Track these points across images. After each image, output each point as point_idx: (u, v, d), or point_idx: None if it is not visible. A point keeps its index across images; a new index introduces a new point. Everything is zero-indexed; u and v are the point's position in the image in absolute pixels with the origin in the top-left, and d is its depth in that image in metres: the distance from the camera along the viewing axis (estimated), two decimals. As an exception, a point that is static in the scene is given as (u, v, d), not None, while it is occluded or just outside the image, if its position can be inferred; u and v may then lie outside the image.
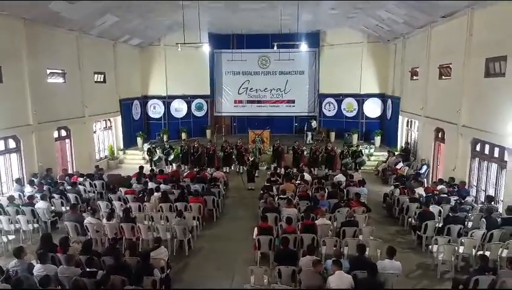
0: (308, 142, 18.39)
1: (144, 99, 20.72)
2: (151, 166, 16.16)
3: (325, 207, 9.71)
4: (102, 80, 17.24)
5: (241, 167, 16.33)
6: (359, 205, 9.87)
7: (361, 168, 15.95)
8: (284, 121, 22.00)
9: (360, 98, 20.13)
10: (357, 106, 20.26)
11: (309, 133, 19.40)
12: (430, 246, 8.53)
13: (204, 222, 10.61)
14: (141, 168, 13.38)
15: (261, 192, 11.34)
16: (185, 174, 13.79)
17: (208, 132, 21.42)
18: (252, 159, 14.29)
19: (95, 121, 16.97)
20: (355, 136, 19.70)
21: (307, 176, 12.62)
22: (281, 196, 10.49)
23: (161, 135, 20.13)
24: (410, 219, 10.24)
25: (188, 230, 9.05)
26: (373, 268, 6.46)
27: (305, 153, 16.47)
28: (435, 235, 8.68)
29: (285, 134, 20.48)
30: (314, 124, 19.83)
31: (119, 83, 18.27)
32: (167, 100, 20.86)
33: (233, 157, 16.69)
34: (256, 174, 14.86)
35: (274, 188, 11.51)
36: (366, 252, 7.18)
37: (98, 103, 16.51)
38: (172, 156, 16.46)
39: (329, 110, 21.05)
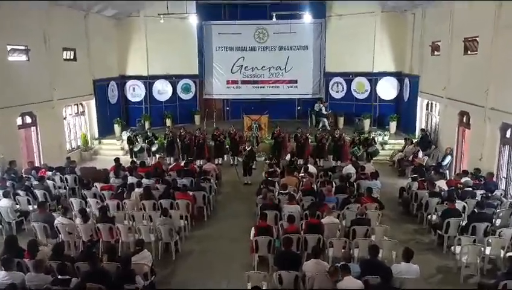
0: (321, 130, 18.19)
1: (122, 80, 20.59)
2: (131, 157, 16.12)
3: (332, 203, 9.75)
4: (72, 57, 17.07)
5: (235, 158, 16.36)
6: (371, 201, 9.91)
7: (374, 158, 16.02)
8: (284, 105, 21.94)
9: (373, 78, 20.09)
10: (370, 87, 20.24)
11: (324, 120, 19.33)
12: (452, 247, 8.60)
13: (193, 221, 10.64)
14: (119, 160, 13.35)
15: (259, 186, 11.36)
16: (171, 166, 13.78)
17: (197, 117, 21.37)
18: (248, 148, 14.28)
19: (65, 105, 16.85)
20: (367, 122, 19.70)
21: (312, 168, 12.66)
22: (282, 191, 10.55)
23: (142, 121, 20.06)
24: (430, 216, 10.31)
25: (174, 231, 9.08)
26: (387, 272, 6.52)
27: (309, 141, 16.50)
28: (458, 234, 8.75)
29: (286, 120, 20.46)
30: (322, 107, 19.78)
31: (93, 61, 18.11)
32: (149, 81, 20.75)
33: (227, 147, 16.69)
34: (253, 166, 14.91)
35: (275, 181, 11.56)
36: (379, 255, 7.23)
37: (68, 85, 16.37)
38: (156, 146, 16.44)
39: (337, 92, 21.02)
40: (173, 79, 21.11)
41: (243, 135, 17.13)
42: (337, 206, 9.91)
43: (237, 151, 16.05)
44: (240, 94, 21.83)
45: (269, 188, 10.71)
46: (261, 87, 21.71)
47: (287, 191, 10.50)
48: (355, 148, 15.51)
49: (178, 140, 16.39)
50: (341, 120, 20.32)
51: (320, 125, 19.20)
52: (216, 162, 15.61)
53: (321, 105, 19.79)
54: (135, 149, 16.41)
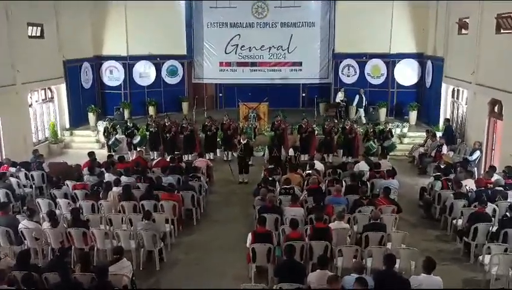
0: (358, 122, 18.13)
1: (97, 61, 20.52)
2: (108, 151, 16.09)
3: (341, 206, 9.76)
4: (39, 34, 16.97)
5: (229, 152, 16.35)
6: (387, 203, 9.93)
7: (391, 153, 16.02)
8: (287, 91, 21.96)
9: (390, 60, 20.09)
10: (386, 70, 20.24)
11: (360, 110, 19.33)
12: (480, 257, 8.63)
13: (180, 226, 10.65)
14: (94, 154, 13.32)
15: (257, 186, 11.38)
16: (154, 162, 13.78)
17: (185, 105, 21.36)
18: (244, 142, 14.26)
19: (31, 90, 16.78)
20: (382, 111, 19.72)
21: (319, 165, 12.67)
22: (284, 186, 10.58)
23: (121, 109, 20.02)
24: (455, 221, 10.34)
25: (158, 237, 9.07)
26: (405, 286, 6.53)
27: (316, 133, 16.50)
28: (487, 242, 8.78)
29: (288, 108, 20.47)
30: (341, 96, 19.70)
31: (63, 39, 18.01)
32: (128, 62, 20.69)
33: (219, 139, 16.68)
34: (250, 162, 14.87)
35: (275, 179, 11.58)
36: (396, 265, 7.26)
37: (34, 66, 16.28)
38: (137, 139, 16.42)
39: (349, 76, 21.01)
40: (157, 60, 21.06)
41: (238, 126, 17.11)
42: (348, 208, 9.92)
43: (231, 145, 16.05)
44: (235, 78, 21.82)
45: (269, 188, 10.70)
46: (259, 70, 21.70)
47: (289, 186, 10.53)
48: (370, 142, 15.51)
49: (163, 131, 16.33)
50: (352, 109, 20.32)
51: (356, 117, 19.11)
52: (207, 157, 15.59)
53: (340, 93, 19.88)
54: (110, 142, 16.39)
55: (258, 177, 12.73)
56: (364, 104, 19.61)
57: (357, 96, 19.67)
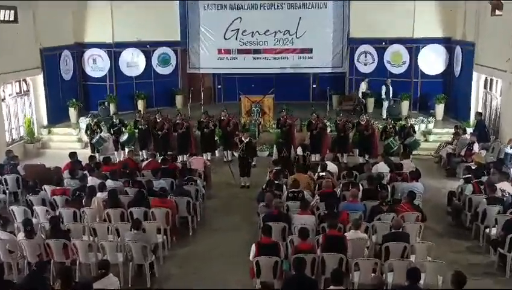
0: (386, 118, 17.96)
1: (79, 49, 20.55)
2: (92, 152, 16.11)
3: (358, 213, 9.74)
4: (12, 18, 17.01)
5: (229, 152, 16.35)
6: (411, 210, 9.90)
7: (414, 152, 15.99)
8: (295, 82, 21.91)
9: (413, 46, 20.04)
10: (409, 58, 20.18)
11: (385, 104, 19.21)
12: (517, 271, 8.62)
13: (174, 236, 10.66)
14: (76, 155, 13.33)
15: (262, 190, 11.36)
16: (145, 164, 13.80)
17: (179, 98, 21.38)
18: (247, 140, 14.24)
19: (3, 83, 16.84)
20: (404, 104, 19.68)
21: (332, 166, 12.64)
22: (293, 190, 10.56)
23: (106, 103, 20.04)
24: (488, 230, 10.30)
25: (149, 249, 9.08)
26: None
27: (328, 130, 16.47)
28: (525, 254, 8.76)
29: (297, 101, 20.44)
30: (365, 87, 19.68)
31: (40, 24, 18.03)
32: (114, 50, 20.71)
33: (217, 138, 16.67)
34: (253, 163, 14.86)
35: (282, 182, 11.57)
36: (421, 281, 7.23)
37: (6, 55, 16.32)
38: (124, 137, 16.42)
39: (366, 64, 20.96)
40: (147, 47, 21.06)
41: (239, 122, 17.09)
42: (365, 216, 9.90)
43: (231, 143, 16.02)
44: (236, 67, 21.77)
45: (275, 193, 10.69)
46: (263, 58, 21.63)
47: (299, 189, 10.49)
48: (390, 139, 15.46)
49: (154, 129, 16.34)
50: (370, 102, 20.28)
51: (384, 113, 19.02)
52: (204, 158, 15.56)
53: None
54: (93, 141, 16.40)
55: (262, 180, 12.73)
56: (391, 97, 19.46)
57: (384, 87, 19.54)
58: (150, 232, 9.56)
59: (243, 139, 14.31)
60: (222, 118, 16.51)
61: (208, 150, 16.47)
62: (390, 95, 19.50)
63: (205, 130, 16.32)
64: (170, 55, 21.58)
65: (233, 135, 15.97)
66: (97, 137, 16.33)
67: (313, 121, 16.04)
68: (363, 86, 20.07)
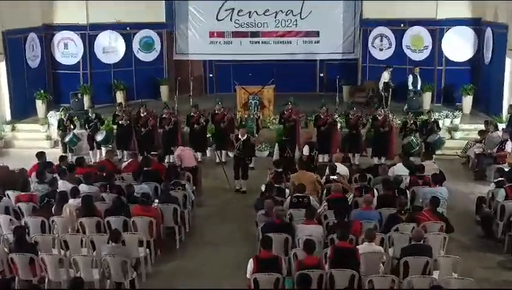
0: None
1: (48, 32, 20.48)
2: (63, 152, 16.07)
3: (372, 222, 9.71)
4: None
5: (223, 152, 16.27)
6: (434, 218, 9.90)
7: (438, 152, 15.98)
8: (300, 70, 21.87)
9: (437, 28, 20.03)
10: (431, 42, 20.16)
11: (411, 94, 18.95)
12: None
13: (159, 249, 10.66)
14: (44, 155, 13.25)
15: (260, 196, 11.35)
16: (124, 165, 13.78)
17: (164, 89, 21.39)
18: (244, 138, 14.16)
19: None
20: (426, 96, 19.65)
21: (342, 168, 12.61)
22: (297, 195, 10.52)
23: (80, 95, 19.93)
24: (523, 242, 10.29)
25: (130, 265, 9.06)
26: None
27: (338, 126, 16.43)
28: None
29: (302, 92, 20.40)
30: (387, 77, 19.52)
31: (2, 3, 17.90)
32: (89, 33, 20.64)
33: (209, 135, 16.60)
34: (250, 165, 14.83)
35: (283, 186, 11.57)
36: (446, 301, 7.21)
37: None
38: (102, 135, 16.33)
39: (381, 50, 20.95)
40: (127, 30, 21.02)
41: (235, 117, 16.96)
42: (381, 226, 9.88)
43: (226, 141, 15.95)
44: (231, 53, 21.74)
45: (276, 199, 10.67)
46: (263, 42, 21.62)
47: (305, 193, 10.47)
48: (411, 138, 15.40)
49: (136, 125, 16.26)
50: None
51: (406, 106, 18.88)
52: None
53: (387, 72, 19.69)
54: (66, 139, 16.30)
55: (260, 184, 12.63)
56: (420, 88, 19.31)
57: (411, 77, 19.44)
58: (131, 245, 9.53)
59: (240, 136, 14.24)
60: (216, 112, 16.43)
61: (199, 149, 16.36)
62: (419, 87, 19.30)
63: (195, 126, 16.25)
64: (154, 39, 21.54)
65: (227, 133, 15.95)
66: (70, 135, 16.23)
67: (322, 116, 15.96)
68: (386, 76, 19.72)
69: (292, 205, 10.56)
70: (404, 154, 14.19)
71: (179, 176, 12.58)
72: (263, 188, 11.65)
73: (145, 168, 12.71)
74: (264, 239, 8.65)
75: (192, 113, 16.45)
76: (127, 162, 13.97)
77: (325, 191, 11.47)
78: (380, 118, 15.87)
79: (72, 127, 16.56)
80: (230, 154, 15.62)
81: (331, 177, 11.84)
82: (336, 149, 15.59)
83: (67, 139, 16.27)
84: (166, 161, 15.08)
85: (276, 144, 15.33)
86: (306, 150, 14.05)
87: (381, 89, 19.63)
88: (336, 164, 12.71)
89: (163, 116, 16.29)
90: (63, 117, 16.94)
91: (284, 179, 11.97)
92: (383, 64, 20.49)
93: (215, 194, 14.12)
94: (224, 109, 16.64)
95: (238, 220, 12.31)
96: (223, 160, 15.98)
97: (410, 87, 19.36)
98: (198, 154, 16.27)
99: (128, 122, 16.30)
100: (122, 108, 17.03)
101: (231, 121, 16.39)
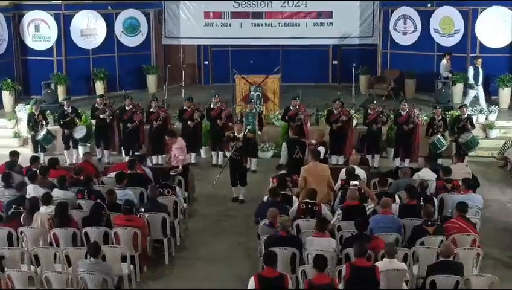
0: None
1: (16, 12, 20.54)
2: (35, 151, 16.10)
3: (394, 235, 9.74)
4: None
5: (220, 153, 16.28)
6: (465, 230, 9.89)
7: (471, 154, 15.98)
8: (309, 57, 21.90)
9: (470, 8, 20.05)
10: (463, 25, 20.18)
11: (471, 92, 18.87)
12: None
13: (144, 266, 10.65)
14: (15, 155, 13.29)
15: (263, 201, 11.35)
16: (107, 167, 13.81)
17: (151, 79, 21.51)
18: (241, 135, 13.98)
19: None
20: (457, 88, 19.71)
21: (359, 171, 12.58)
22: (306, 201, 10.53)
23: (53, 85, 19.93)
24: None
25: (111, 283, 9.01)
26: None
27: (354, 122, 16.50)
28: None
29: (312, 83, 20.43)
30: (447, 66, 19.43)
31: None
32: (64, 13, 20.72)
33: (205, 132, 16.64)
34: (252, 168, 14.94)
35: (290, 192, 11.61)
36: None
37: None
38: (80, 132, 16.29)
39: (405, 34, 21.01)
40: (108, 9, 21.12)
41: (234, 112, 16.92)
42: (404, 239, 9.90)
43: (225, 141, 15.77)
44: (229, 37, 21.82)
45: (281, 206, 10.69)
46: (267, 24, 21.65)
47: (315, 200, 10.48)
48: (437, 136, 15.40)
49: (120, 120, 16.30)
50: (409, 84, 20.37)
51: (467, 102, 18.68)
52: (187, 160, 15.53)
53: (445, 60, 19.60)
54: (39, 137, 16.29)
55: (264, 190, 12.66)
56: (481, 82, 19.05)
57: (471, 69, 19.19)
58: (112, 260, 9.52)
59: (236, 134, 14.09)
60: (212, 106, 16.33)
61: (193, 149, 16.37)
62: (480, 80, 19.01)
63: (189, 122, 16.17)
64: (139, 20, 21.61)
65: (225, 130, 15.71)
66: (44, 132, 16.19)
67: (335, 111, 15.91)
68: (445, 64, 19.56)
69: (300, 212, 10.55)
70: (431, 156, 14.18)
71: (169, 178, 12.58)
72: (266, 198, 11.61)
73: (130, 172, 12.68)
74: (268, 254, 8.57)
75: (185, 107, 16.39)
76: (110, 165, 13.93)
77: (338, 197, 11.48)
78: (403, 113, 15.88)
79: (45, 123, 16.53)
80: (227, 155, 15.31)
81: (352, 182, 11.47)
82: (351, 150, 15.55)
83: (40, 136, 16.20)
84: (154, 162, 15.18)
85: (284, 144, 15.05)
86: (322, 150, 13.98)
87: (442, 79, 19.36)
88: (353, 166, 12.59)
89: (151, 110, 16.29)
90: (34, 111, 16.86)
91: (291, 184, 11.98)
92: (405, 50, 20.54)
93: (209, 201, 14.14)
94: (222, 103, 16.56)
95: (237, 232, 12.33)
96: (220, 163, 15.96)
97: (471, 81, 19.11)
98: (193, 155, 16.39)
99: (111, 117, 16.34)
100: (103, 100, 16.91)
101: (229, 117, 16.27)
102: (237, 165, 14.03)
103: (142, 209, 11.16)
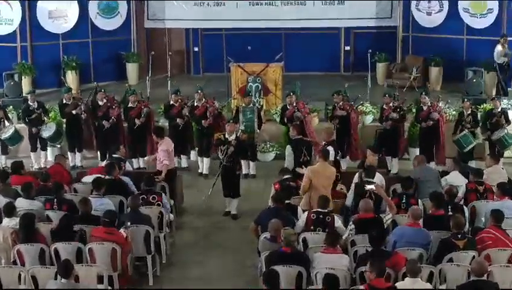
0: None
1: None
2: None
3: (418, 250, 9.75)
4: None
5: (206, 160, 16.10)
6: (502, 243, 9.89)
7: (507, 154, 16.05)
8: (318, 43, 21.92)
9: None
10: (498, 4, 20.25)
11: None
12: None
13: (125, 287, 10.55)
14: None
15: (268, 208, 11.35)
16: (79, 173, 13.78)
17: (132, 69, 21.66)
18: (233, 137, 13.82)
19: None
20: (490, 77, 19.78)
21: (375, 176, 12.59)
22: (318, 211, 10.52)
23: (17, 76, 20.00)
24: None
25: (86, 309, 9.08)
26: None
27: (370, 119, 16.69)
28: None
29: (320, 73, 20.44)
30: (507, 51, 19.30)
31: None
32: (30, -7, 20.82)
33: (194, 130, 16.47)
34: (249, 172, 15.24)
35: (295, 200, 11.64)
36: None
37: None
38: (51, 130, 16.30)
39: (429, 14, 21.12)
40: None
41: (218, 108, 16.41)
42: (429, 255, 9.91)
43: (211, 145, 15.59)
44: (223, 19, 21.91)
45: (287, 216, 10.71)
46: (267, 4, 21.77)
47: (327, 210, 10.54)
48: (464, 132, 15.39)
49: (95, 117, 16.28)
50: (434, 72, 20.50)
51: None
52: (175, 164, 15.50)
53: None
54: (4, 136, 16.26)
55: (262, 202, 12.78)
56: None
57: (499, 52, 19.29)
58: (87, 281, 9.48)
59: (227, 135, 13.87)
60: (195, 103, 16.09)
61: (183, 151, 16.37)
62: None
63: (178, 120, 16.01)
64: (117, 1, 21.69)
65: (215, 130, 15.49)
66: (11, 130, 16.19)
67: (336, 106, 15.96)
68: (500, 51, 19.35)
69: (310, 223, 10.52)
70: (459, 157, 14.15)
71: (153, 184, 12.53)
72: (270, 203, 11.61)
73: (107, 177, 12.68)
74: (269, 274, 8.62)
75: (172, 102, 16.34)
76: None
77: (350, 194, 11.59)
78: (424, 108, 15.83)
79: (7, 120, 16.51)
80: (222, 159, 15.18)
81: (367, 187, 11.50)
82: (356, 152, 15.70)
83: (6, 134, 16.16)
84: (135, 167, 15.24)
85: (288, 147, 14.84)
86: (331, 150, 13.95)
87: (499, 68, 19.33)
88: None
89: (129, 105, 16.24)
90: (-6, 107, 16.94)
91: (294, 190, 12.07)
92: (428, 34, 20.56)
93: (201, 212, 14.15)
94: (207, 99, 16.29)
95: (232, 247, 12.33)
96: (205, 172, 15.94)
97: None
98: (183, 159, 16.39)
99: (84, 114, 16.22)
100: (70, 95, 16.89)
101: (217, 118, 16.11)
102: (229, 174, 13.83)
103: (128, 223, 10.94)
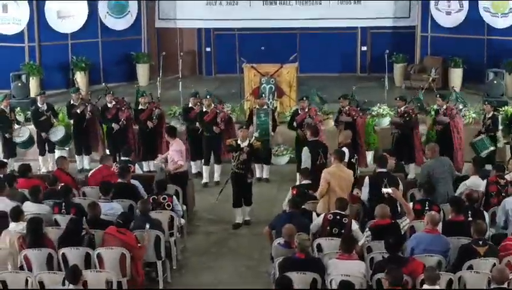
0: None
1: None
2: (5, 157, 16.14)
3: (436, 257, 9.72)
4: None
5: (217, 166, 16.00)
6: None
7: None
8: (333, 43, 21.90)
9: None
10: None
11: None
12: None
13: (135, 293, 10.69)
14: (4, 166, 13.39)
15: (284, 212, 11.35)
16: (89, 175, 13.88)
17: (143, 69, 21.68)
18: (245, 144, 13.68)
19: None
20: (511, 79, 19.70)
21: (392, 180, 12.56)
22: (334, 212, 10.53)
23: (24, 77, 20.05)
24: None
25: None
26: None
27: (386, 121, 16.63)
28: None
29: (336, 74, 20.42)
30: None
31: None
32: (38, -8, 20.87)
33: (205, 136, 16.10)
34: (263, 176, 15.24)
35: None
36: None
37: None
38: (59, 133, 16.31)
39: (449, 14, 21.04)
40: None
41: (227, 113, 16.41)
42: (448, 262, 9.88)
43: (219, 151, 15.79)
44: (236, 19, 21.93)
45: (302, 220, 10.71)
46: (281, 3, 21.79)
47: (346, 212, 10.53)
48: (480, 137, 15.32)
49: (105, 119, 16.33)
50: (455, 74, 20.40)
51: None
52: (194, 169, 15.60)
53: None
54: (20, 139, 16.27)
55: (274, 208, 12.78)
56: None
57: None
58: (95, 287, 9.48)
59: (240, 142, 13.71)
60: (204, 109, 15.81)
61: (200, 155, 16.17)
62: None
63: (197, 123, 15.77)
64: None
65: (224, 139, 15.46)
66: (26, 134, 16.25)
67: (342, 110, 15.91)
68: None
69: (326, 228, 10.53)
70: (478, 161, 14.11)
71: (160, 186, 12.48)
72: (285, 206, 11.60)
73: (120, 181, 12.64)
74: (283, 281, 8.61)
75: (190, 105, 16.19)
76: (93, 171, 13.84)
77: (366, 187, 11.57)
78: (441, 110, 15.72)
79: (22, 123, 16.61)
80: (233, 166, 15.04)
81: (384, 190, 11.39)
82: (363, 158, 15.68)
83: (22, 138, 16.27)
84: (146, 169, 15.28)
85: (305, 148, 14.76)
86: (346, 153, 13.92)
87: None
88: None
89: (140, 107, 16.24)
90: (3, 108, 16.94)
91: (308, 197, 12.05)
92: (447, 34, 20.51)
93: (213, 217, 14.19)
94: (215, 104, 16.16)
95: (245, 253, 12.35)
96: (217, 179, 15.78)
97: None
98: (198, 163, 16.23)
99: (90, 114, 16.25)
100: (79, 95, 16.84)
101: (228, 123, 16.07)
102: (241, 182, 13.68)
103: (147, 226, 10.82)
